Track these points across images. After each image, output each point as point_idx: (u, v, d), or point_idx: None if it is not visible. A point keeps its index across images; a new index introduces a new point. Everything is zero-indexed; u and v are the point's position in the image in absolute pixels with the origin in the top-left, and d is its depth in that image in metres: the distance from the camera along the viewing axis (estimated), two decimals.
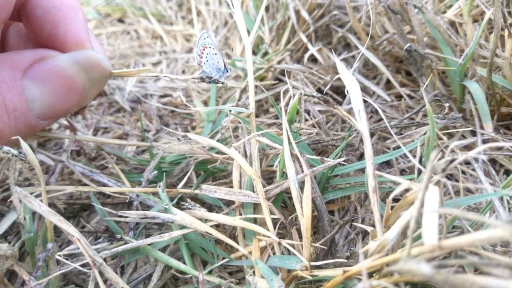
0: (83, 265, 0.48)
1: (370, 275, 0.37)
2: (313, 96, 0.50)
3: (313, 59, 0.77)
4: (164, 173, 0.55)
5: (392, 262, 0.30)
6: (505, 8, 0.61)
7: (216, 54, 0.59)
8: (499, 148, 0.56)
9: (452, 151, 0.43)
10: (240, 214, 0.52)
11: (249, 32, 0.79)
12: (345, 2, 0.61)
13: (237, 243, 0.50)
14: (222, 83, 0.60)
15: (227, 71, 0.60)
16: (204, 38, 0.59)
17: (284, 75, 0.74)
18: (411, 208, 0.31)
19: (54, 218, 0.42)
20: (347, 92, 0.41)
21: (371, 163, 0.36)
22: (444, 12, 0.71)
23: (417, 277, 0.25)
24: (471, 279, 0.21)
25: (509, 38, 0.56)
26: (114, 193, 0.54)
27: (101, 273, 0.42)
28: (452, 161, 0.31)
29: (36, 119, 0.43)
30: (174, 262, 0.48)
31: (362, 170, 0.55)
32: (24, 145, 0.39)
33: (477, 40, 0.51)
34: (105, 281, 0.45)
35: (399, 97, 0.68)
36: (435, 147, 0.38)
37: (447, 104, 0.46)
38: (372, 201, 0.35)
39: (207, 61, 0.59)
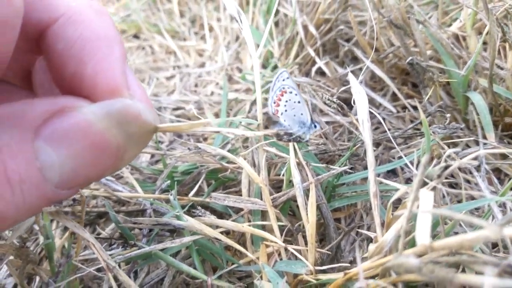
0: (98, 270, 0.51)
1: (372, 277, 0.39)
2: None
3: (321, 73, 0.80)
4: (176, 182, 0.57)
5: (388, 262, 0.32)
6: (508, 21, 0.63)
7: (299, 102, 0.47)
8: (504, 157, 0.57)
9: (452, 159, 0.44)
10: (249, 221, 0.54)
11: (258, 46, 0.81)
12: (350, 17, 0.63)
13: (246, 249, 0.52)
14: (307, 141, 0.48)
15: (315, 126, 0.49)
16: (283, 80, 0.48)
17: None
18: (402, 214, 0.33)
19: (70, 224, 0.44)
20: (354, 103, 0.43)
21: (372, 170, 0.38)
22: (450, 25, 0.73)
23: (408, 272, 0.27)
24: (452, 272, 0.23)
25: (510, 50, 0.57)
26: (128, 198, 0.57)
27: (115, 277, 0.44)
28: (446, 167, 0.33)
29: (55, 190, 0.33)
30: (185, 267, 0.50)
31: (365, 179, 0.57)
32: None
33: (478, 51, 0.53)
34: (119, 286, 0.47)
35: (405, 108, 0.70)
36: (436, 157, 0.39)
37: (448, 115, 0.47)
38: (373, 206, 0.37)
39: (285, 111, 0.48)
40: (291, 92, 0.48)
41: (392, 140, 0.43)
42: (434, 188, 0.34)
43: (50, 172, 0.31)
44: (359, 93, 0.41)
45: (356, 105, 0.41)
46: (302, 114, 0.48)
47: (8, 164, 0.30)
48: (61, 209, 0.35)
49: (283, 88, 0.48)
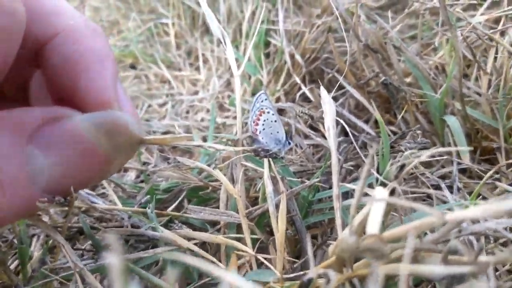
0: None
1: None
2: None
3: (309, 100, 0.82)
4: (154, 196, 0.58)
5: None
6: (487, 53, 0.65)
7: (275, 121, 0.51)
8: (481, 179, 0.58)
9: (408, 158, 0.45)
10: (225, 234, 0.54)
11: (250, 76, 0.84)
12: (331, 46, 0.66)
13: (220, 262, 0.52)
14: (282, 157, 0.51)
15: (289, 143, 0.51)
16: (262, 101, 0.51)
17: (280, 112, 0.79)
18: (364, 209, 0.33)
19: (43, 225, 0.44)
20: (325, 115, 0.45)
21: (335, 172, 0.39)
22: (431, 55, 0.76)
23: (349, 252, 0.27)
24: (385, 245, 0.23)
25: (485, 75, 0.59)
26: (107, 211, 0.57)
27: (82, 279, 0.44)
28: (403, 167, 0.34)
29: (42, 194, 0.34)
30: (155, 280, 0.50)
31: (345, 194, 0.57)
32: None
33: (451, 74, 0.55)
34: None
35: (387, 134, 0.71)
36: (392, 162, 0.40)
37: (419, 132, 0.48)
38: (335, 207, 0.38)
39: (263, 129, 0.51)
40: (268, 112, 0.50)
41: (358, 151, 0.44)
42: (394, 190, 0.35)
43: (39, 176, 0.33)
44: (328, 103, 0.43)
45: (324, 115, 0.43)
46: (278, 132, 0.51)
47: (1, 166, 0.31)
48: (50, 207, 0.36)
49: (262, 108, 0.51)
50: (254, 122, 0.52)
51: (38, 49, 0.38)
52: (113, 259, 0.17)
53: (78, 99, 0.37)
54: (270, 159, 0.50)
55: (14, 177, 0.32)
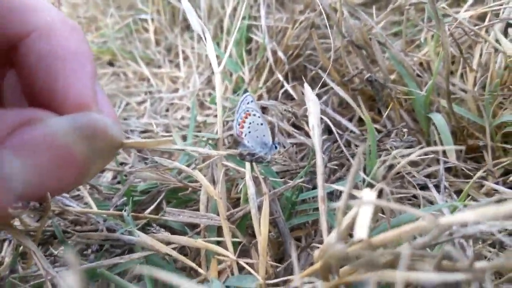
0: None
1: None
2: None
3: (292, 98, 0.80)
4: (131, 198, 0.55)
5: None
6: (472, 50, 0.64)
7: (262, 124, 0.49)
8: (467, 177, 0.57)
9: (395, 158, 0.43)
10: (205, 237, 0.52)
11: (231, 74, 0.82)
12: (314, 42, 0.64)
13: (200, 267, 0.50)
14: (268, 162, 0.49)
15: (276, 147, 0.50)
16: (248, 103, 0.50)
17: (262, 110, 0.77)
18: (351, 212, 0.31)
19: (13, 231, 0.41)
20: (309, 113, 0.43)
21: (320, 173, 0.37)
22: (415, 52, 0.74)
23: (337, 259, 0.25)
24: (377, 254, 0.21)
25: (471, 72, 0.58)
26: (81, 215, 0.54)
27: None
28: (391, 167, 0.32)
29: (16, 201, 0.32)
30: (132, 287, 0.47)
31: (329, 194, 0.55)
32: None
33: (436, 70, 0.53)
34: None
35: None
36: (382, 162, 0.38)
37: (405, 130, 0.47)
38: (321, 210, 0.36)
39: (249, 132, 0.50)
40: (254, 115, 0.49)
41: (344, 150, 0.42)
42: (381, 191, 0.33)
43: (14, 182, 0.30)
44: (312, 101, 0.41)
45: (309, 113, 0.41)
46: (264, 135, 0.49)
47: None
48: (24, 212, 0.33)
49: (247, 110, 0.49)
50: (239, 125, 0.50)
51: (11, 47, 0.36)
52: (70, 279, 0.15)
53: (54, 100, 0.34)
54: (255, 163, 0.48)
55: None
